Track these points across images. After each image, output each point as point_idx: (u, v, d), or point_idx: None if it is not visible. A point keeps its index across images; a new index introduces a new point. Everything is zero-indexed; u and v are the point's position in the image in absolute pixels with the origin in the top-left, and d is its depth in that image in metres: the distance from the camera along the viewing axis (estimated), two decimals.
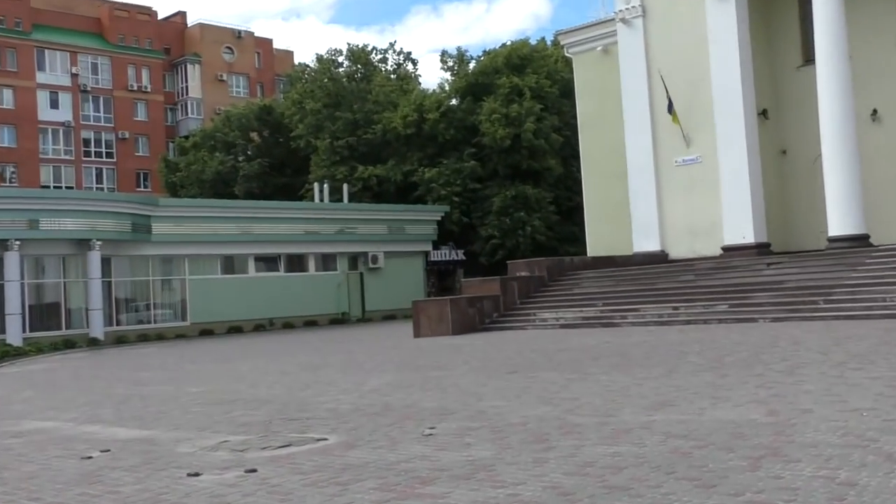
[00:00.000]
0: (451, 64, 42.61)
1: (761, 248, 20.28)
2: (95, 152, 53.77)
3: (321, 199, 35.15)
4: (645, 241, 22.99)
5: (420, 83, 44.27)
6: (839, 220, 18.28)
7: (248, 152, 44.64)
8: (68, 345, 23.97)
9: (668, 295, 17.80)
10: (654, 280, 19.46)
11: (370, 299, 32.74)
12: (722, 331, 13.63)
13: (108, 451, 6.32)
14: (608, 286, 19.78)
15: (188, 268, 28.60)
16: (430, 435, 5.97)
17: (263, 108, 44.54)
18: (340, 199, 35.99)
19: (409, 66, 44.51)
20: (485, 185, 37.60)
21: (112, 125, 54.32)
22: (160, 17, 58.56)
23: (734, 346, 10.82)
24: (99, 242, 25.37)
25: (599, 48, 25.56)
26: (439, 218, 35.33)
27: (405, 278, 33.44)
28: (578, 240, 36.67)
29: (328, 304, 31.45)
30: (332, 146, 39.19)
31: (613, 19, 23.68)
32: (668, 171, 22.75)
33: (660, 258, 22.47)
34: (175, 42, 58.71)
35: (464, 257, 37.18)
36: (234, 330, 28.71)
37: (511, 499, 4.12)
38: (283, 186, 42.79)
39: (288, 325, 29.92)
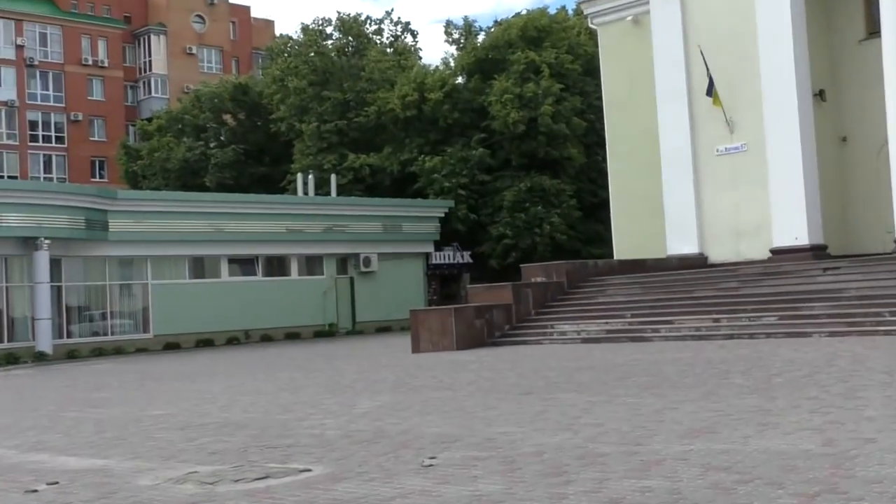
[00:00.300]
0: (456, 36, 42.92)
1: (817, 251, 20.34)
2: (43, 136, 53.35)
3: (305, 193, 35.25)
4: (681, 243, 23.00)
5: (421, 58, 44.65)
6: None
7: (221, 137, 44.78)
8: (10, 360, 24.08)
9: (708, 305, 17.80)
10: (692, 287, 19.47)
11: (362, 308, 32.84)
12: (770, 346, 13.70)
13: (57, 483, 6.32)
14: (638, 294, 19.80)
15: (151, 271, 28.71)
16: (431, 466, 5.98)
17: (239, 86, 44.64)
18: (328, 193, 36.12)
19: (409, 39, 44.92)
20: (495, 177, 37.69)
21: (63, 105, 53.81)
22: None
23: (785, 365, 10.85)
24: (47, 241, 25.30)
25: (629, 18, 25.53)
26: (442, 214, 35.44)
27: (402, 284, 33.54)
28: (603, 240, 36.68)
29: (313, 314, 31.52)
30: (318, 131, 39.32)
31: None
32: (708, 162, 22.76)
33: (698, 262, 22.50)
34: (137, 10, 58.28)
35: (470, 260, 37.31)
36: (204, 343, 28.81)
37: None
38: (262, 177, 42.90)
39: (266, 338, 30.02)
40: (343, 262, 33.17)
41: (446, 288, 37.16)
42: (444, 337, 18.34)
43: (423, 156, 37.39)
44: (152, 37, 57.68)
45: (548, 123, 35.89)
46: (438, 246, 36.04)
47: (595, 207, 38.28)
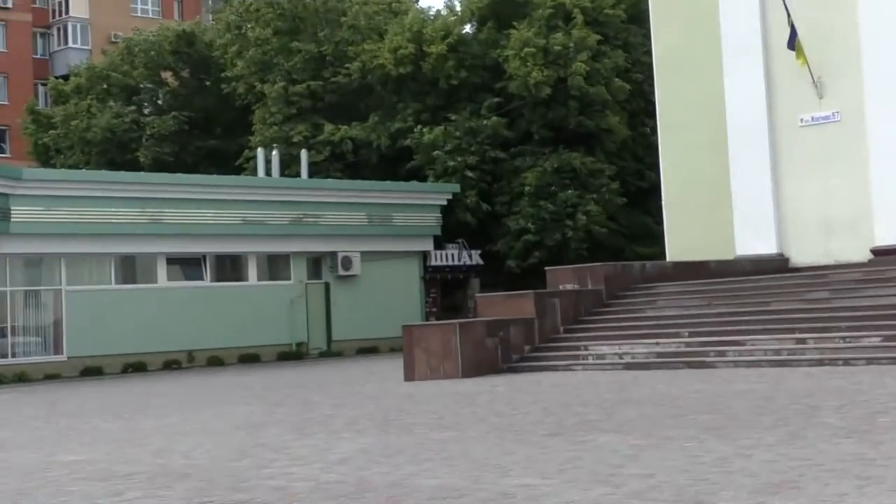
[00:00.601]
0: None
1: None
2: None
3: (268, 173, 35.41)
4: (753, 240, 23.10)
5: (418, 2, 44.86)
6: None
7: (159, 101, 45.06)
8: None
9: (790, 321, 17.84)
10: (768, 298, 19.51)
11: (340, 323, 33.00)
12: (872, 375, 13.73)
13: None
14: (697, 307, 19.87)
15: (65, 274, 28.79)
16: None
17: (182, 35, 44.77)
18: (297, 174, 36.28)
19: None
20: (513, 154, 37.86)
21: None
22: None
23: (891, 400, 10.88)
24: None
25: None
26: (445, 202, 35.63)
27: (393, 292, 33.73)
28: (653, 236, 36.78)
29: (276, 331, 31.68)
30: (285, 94, 39.51)
31: None
32: (789, 135, 22.83)
33: (776, 265, 22.60)
34: None
35: (481, 261, 37.46)
36: (135, 368, 28.95)
37: None
38: (212, 153, 43.07)
39: (216, 362, 30.20)
40: (316, 263, 33.32)
41: (449, 297, 37.32)
42: (447, 361, 18.43)
43: (420, 126, 37.53)
44: None
45: (581, 85, 36.02)
46: (440, 243, 36.20)
47: (642, 194, 38.38)
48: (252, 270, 32.15)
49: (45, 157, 45.36)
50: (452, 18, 39.84)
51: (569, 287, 21.19)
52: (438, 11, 41.58)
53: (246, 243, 31.64)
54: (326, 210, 33.00)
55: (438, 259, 36.22)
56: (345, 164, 38.60)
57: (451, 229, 36.36)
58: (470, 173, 36.43)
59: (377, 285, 33.54)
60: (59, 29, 58.10)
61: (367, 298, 33.24)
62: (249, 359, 30.64)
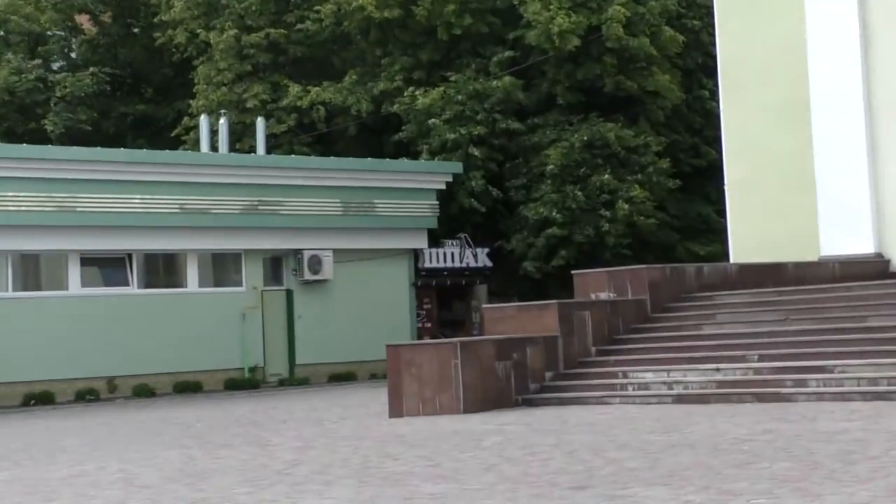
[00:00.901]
0: None
1: None
2: None
3: (214, 148, 35.68)
4: (844, 237, 23.14)
5: None
6: None
7: (73, 54, 45.28)
8: None
9: (890, 341, 17.75)
10: (863, 311, 19.48)
11: (306, 342, 33.17)
12: None
13: None
14: (770, 322, 19.85)
15: None
16: None
17: None
18: (252, 149, 36.43)
19: None
20: (532, 125, 38.13)
21: None
22: None
23: None
24: None
25: None
26: (443, 186, 35.81)
27: (374, 302, 33.92)
28: (713, 230, 36.95)
29: (223, 352, 31.85)
30: (236, 45, 39.66)
31: None
32: (891, 104, 22.54)
33: (874, 269, 22.59)
34: None
35: (489, 262, 37.61)
36: (39, 400, 28.96)
37: None
38: (141, 121, 43.36)
39: (144, 392, 30.26)
40: (275, 263, 33.53)
41: (448, 309, 37.56)
42: (444, 391, 18.43)
43: (411, 88, 37.66)
44: None
45: (619, 35, 36.18)
46: (436, 239, 36.40)
47: (699, 176, 38.57)
48: (192, 274, 32.25)
49: None
50: None
51: (603, 296, 21.17)
52: None
53: (184, 238, 31.69)
54: (290, 195, 33.15)
55: (434, 260, 36.37)
56: (314, 136, 38.62)
57: (451, 221, 36.52)
58: (475, 149, 36.62)
59: (355, 293, 33.67)
60: None
61: (341, 310, 33.39)
62: (188, 388, 30.76)
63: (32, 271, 30.42)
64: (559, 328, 19.61)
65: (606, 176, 36.07)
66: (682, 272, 22.38)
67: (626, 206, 35.74)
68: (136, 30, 44.80)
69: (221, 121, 35.97)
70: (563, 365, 19.49)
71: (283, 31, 39.61)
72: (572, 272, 23.23)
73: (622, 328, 20.51)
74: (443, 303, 37.44)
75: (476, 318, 35.15)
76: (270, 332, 32.84)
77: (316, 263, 33.12)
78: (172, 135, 40.58)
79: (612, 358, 19.77)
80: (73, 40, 45.52)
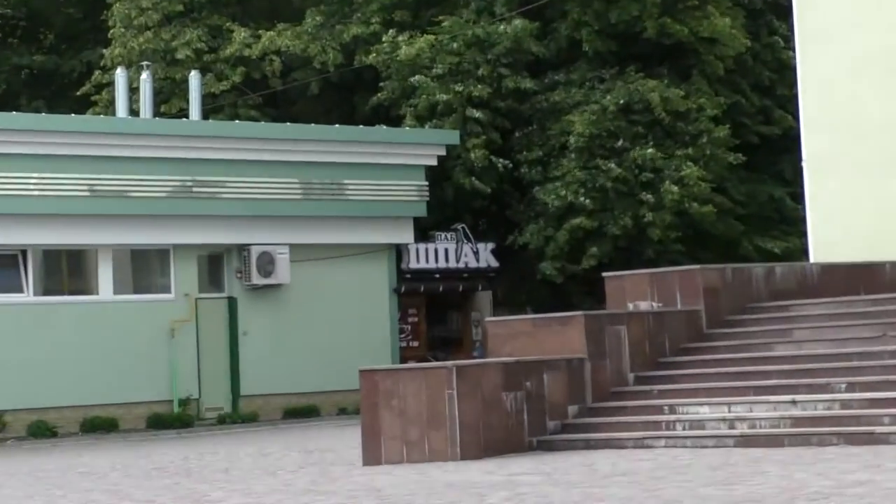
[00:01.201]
0: None
1: None
2: None
3: (133, 112, 35.65)
4: None
5: None
6: None
7: None
8: None
9: None
10: None
11: (254, 366, 33.20)
12: None
13: None
14: (860, 340, 19.85)
15: None
16: None
17: None
18: (183, 113, 36.51)
19: None
20: (549, 82, 38.23)
21: None
22: None
23: None
24: None
25: None
26: (434, 162, 35.87)
27: (344, 314, 34.03)
28: (788, 220, 36.88)
29: (146, 379, 31.90)
30: None
31: None
32: None
33: None
34: None
35: (494, 261, 37.73)
36: None
37: None
38: (38, 76, 43.70)
39: (43, 431, 30.19)
40: (214, 263, 33.72)
41: (441, 323, 37.80)
42: (435, 431, 18.47)
43: (392, 33, 37.78)
44: None
45: None
46: (425, 231, 36.60)
47: (769, 148, 38.69)
48: (105, 276, 32.23)
49: None
50: None
51: (644, 306, 21.26)
52: None
53: (95, 230, 31.71)
54: (233, 174, 33.20)
55: (423, 258, 36.50)
56: (266, 96, 38.54)
57: (445, 208, 36.73)
58: (476, 112, 36.61)
59: (318, 303, 33.85)
60: None
61: (301, 325, 33.55)
62: (101, 426, 30.75)
63: None
64: (586, 348, 19.64)
65: (649, 149, 36.00)
66: (747, 275, 22.39)
67: (675, 189, 35.65)
68: None
69: (144, 75, 35.78)
70: (592, 397, 19.56)
71: None
72: (603, 275, 23.26)
73: (669, 348, 20.59)
74: (434, 315, 37.50)
75: (477, 335, 35.17)
76: (207, 353, 32.86)
77: (267, 263, 33.03)
78: (79, 94, 40.55)
79: (656, 387, 19.77)
80: None
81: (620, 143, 36.23)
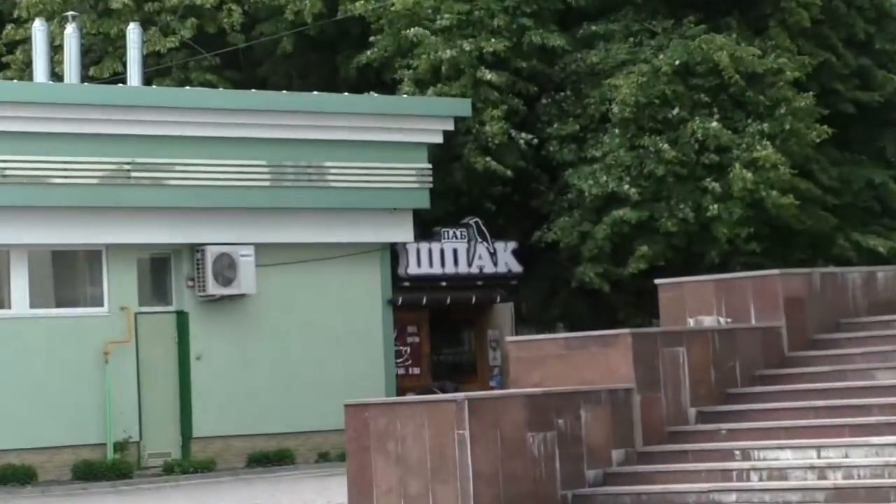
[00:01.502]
0: None
1: None
2: None
3: (56, 76, 35.86)
4: None
5: None
6: None
7: None
8: None
9: None
10: None
11: (209, 400, 33.27)
12: None
13: None
14: None
15: None
16: None
17: None
18: (120, 77, 36.68)
19: None
20: (586, 35, 38.47)
21: None
22: None
23: None
24: None
25: None
26: (439, 139, 36.02)
27: (325, 331, 34.14)
28: (890, 212, 36.86)
29: (72, 417, 31.81)
30: None
31: None
32: None
33: None
34: None
35: (517, 265, 37.88)
36: None
37: None
38: None
39: None
40: (159, 268, 33.80)
41: (449, 343, 38.03)
42: (443, 482, 18.47)
43: None
44: None
45: None
46: (428, 227, 36.75)
47: (867, 121, 38.85)
48: (19, 285, 32.20)
49: None
50: None
51: (709, 322, 21.35)
52: None
53: (5, 225, 31.65)
54: (183, 154, 33.20)
55: (425, 262, 36.66)
56: (226, 56, 38.59)
57: (454, 197, 36.88)
58: (492, 75, 36.59)
59: (292, 318, 33.90)
60: None
61: (268, 347, 33.53)
62: (15, 477, 30.56)
63: None
64: (635, 376, 19.71)
65: (713, 122, 35.87)
66: (840, 281, 22.42)
67: (747, 174, 35.48)
68: None
69: (69, 30, 35.67)
70: (643, 439, 19.63)
71: None
72: (656, 282, 23.32)
73: (741, 376, 20.64)
74: (440, 334, 37.64)
75: (496, 360, 35.11)
76: (151, 383, 32.77)
77: (227, 268, 32.93)
78: None
79: (724, 426, 19.81)
80: None
81: (676, 112, 36.14)
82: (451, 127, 35.84)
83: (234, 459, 32.76)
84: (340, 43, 38.39)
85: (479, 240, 37.13)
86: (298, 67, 37.96)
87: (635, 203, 35.89)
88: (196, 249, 33.22)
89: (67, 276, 33.15)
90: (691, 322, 21.35)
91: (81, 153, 32.21)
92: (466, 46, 36.48)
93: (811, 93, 37.27)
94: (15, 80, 36.78)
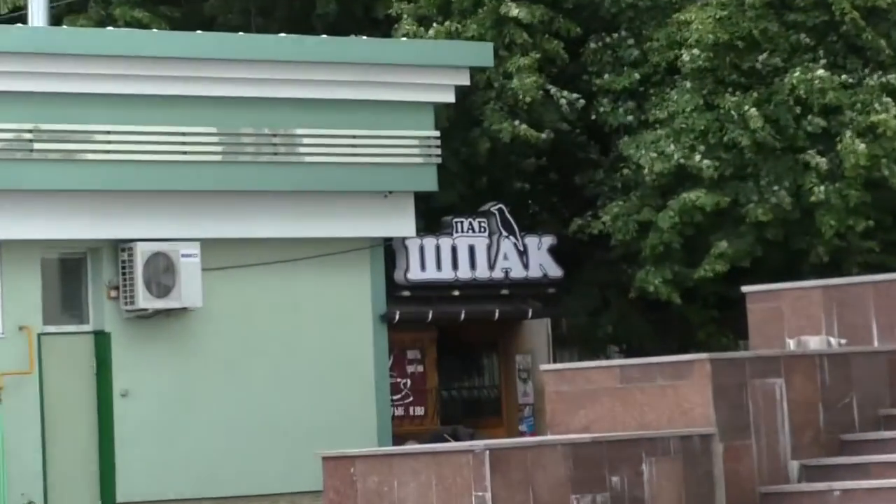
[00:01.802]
0: None
1: None
2: None
3: None
4: None
5: None
6: None
7: None
8: None
9: None
10: None
11: (137, 452, 33.08)
12: None
13: None
14: None
15: None
16: None
17: None
18: (21, 16, 37.71)
19: None
20: None
21: None
22: None
23: None
24: None
25: None
26: (449, 97, 36.23)
27: (297, 359, 33.93)
28: None
29: None
30: None
31: None
32: None
33: None
34: None
35: (556, 268, 37.96)
36: None
37: None
38: None
39: None
40: (70, 272, 33.64)
41: (463, 371, 38.29)
42: None
43: None
44: None
45: None
46: (435, 217, 36.77)
47: None
48: None
49: None
50: None
51: (816, 343, 21.22)
52: None
53: None
54: (105, 119, 32.99)
55: (431, 263, 36.74)
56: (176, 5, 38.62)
57: (470, 176, 36.83)
58: (520, 10, 36.39)
59: (251, 340, 33.66)
60: None
61: (219, 379, 33.24)
62: None
63: None
64: (716, 417, 19.62)
65: (818, 72, 35.33)
66: None
67: (862, 145, 35.05)
68: None
69: None
70: (727, 502, 19.40)
71: None
72: (743, 289, 23.45)
73: (859, 417, 20.65)
74: (451, 361, 37.77)
75: (527, 396, 35.15)
76: (60, 428, 32.59)
77: (163, 273, 32.69)
78: None
79: (838, 486, 19.72)
80: None
81: (767, 58, 35.65)
82: (466, 81, 35.82)
83: None
84: None
85: (505, 233, 37.20)
86: (259, 1, 37.57)
87: (713, 182, 35.60)
88: (121, 248, 33.05)
89: None
90: (792, 344, 21.40)
91: None
92: None
93: None
94: None
